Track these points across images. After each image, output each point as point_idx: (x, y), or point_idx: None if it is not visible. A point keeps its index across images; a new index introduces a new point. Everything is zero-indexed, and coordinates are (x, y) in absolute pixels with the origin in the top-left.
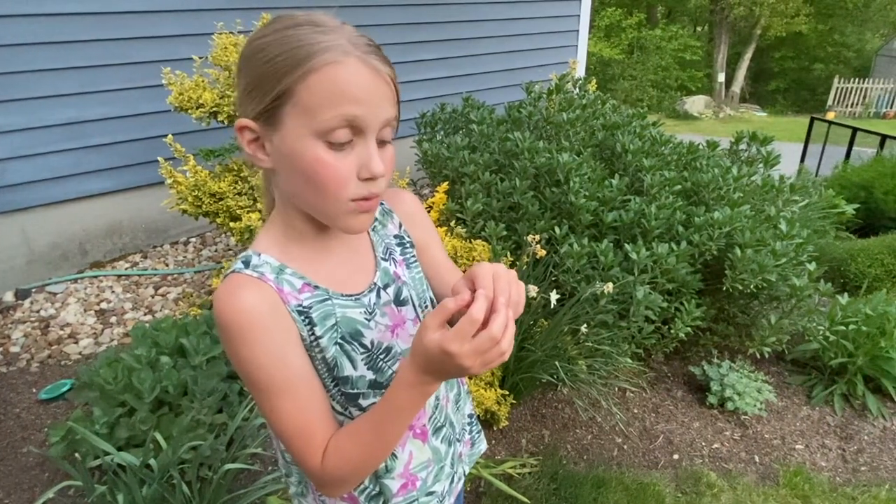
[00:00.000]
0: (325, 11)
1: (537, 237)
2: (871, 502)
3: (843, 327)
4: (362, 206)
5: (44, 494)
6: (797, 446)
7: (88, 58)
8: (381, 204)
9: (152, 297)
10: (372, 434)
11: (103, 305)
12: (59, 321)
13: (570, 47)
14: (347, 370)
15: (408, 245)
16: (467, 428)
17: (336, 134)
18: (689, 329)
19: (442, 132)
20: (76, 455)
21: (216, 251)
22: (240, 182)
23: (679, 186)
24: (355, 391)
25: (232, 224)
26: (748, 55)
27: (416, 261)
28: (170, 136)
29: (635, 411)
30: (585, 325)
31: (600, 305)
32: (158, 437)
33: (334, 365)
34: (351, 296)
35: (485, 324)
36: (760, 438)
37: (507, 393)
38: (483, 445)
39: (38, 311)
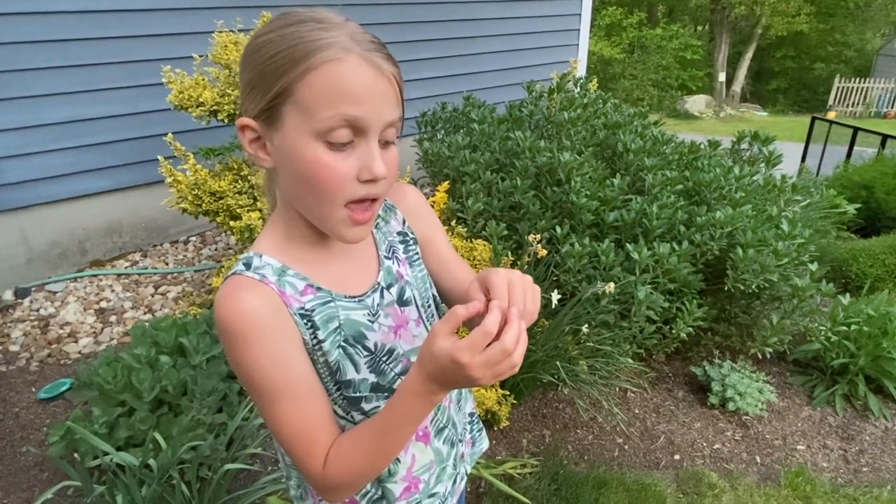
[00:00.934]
0: (329, 8)
1: (538, 237)
2: (873, 503)
3: (844, 328)
4: (357, 217)
5: (42, 494)
6: (798, 447)
7: (87, 56)
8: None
9: (152, 296)
10: (375, 442)
11: (103, 304)
12: (58, 320)
13: (570, 46)
14: (350, 373)
15: (411, 242)
16: (468, 427)
17: (336, 134)
18: (690, 329)
19: (443, 131)
20: (75, 455)
21: (216, 250)
22: (240, 181)
23: (680, 186)
24: (358, 395)
25: (232, 223)
26: (749, 54)
27: (419, 259)
28: (170, 134)
29: (636, 411)
30: (586, 325)
31: (601, 305)
32: (158, 436)
33: (337, 369)
34: (354, 297)
35: (497, 334)
36: (762, 439)
37: (508, 393)
38: (485, 444)
39: (37, 310)
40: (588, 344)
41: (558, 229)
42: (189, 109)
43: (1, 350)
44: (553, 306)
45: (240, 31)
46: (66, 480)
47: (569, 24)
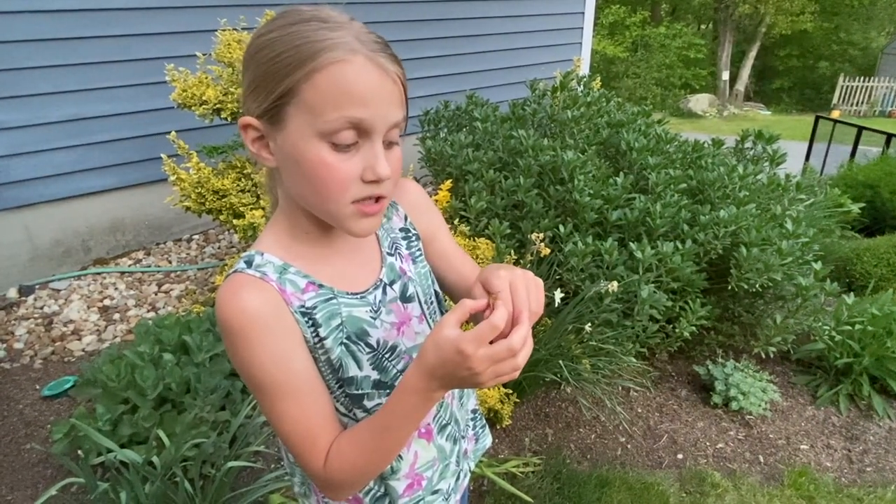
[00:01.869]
0: (333, 7)
1: (541, 235)
2: (877, 503)
3: (849, 327)
4: (365, 209)
5: (46, 491)
6: (802, 446)
7: (91, 54)
8: None
9: (155, 294)
10: (374, 439)
11: (106, 302)
12: (62, 318)
13: (574, 45)
14: (353, 371)
15: (413, 238)
16: (471, 424)
17: (341, 135)
18: (693, 328)
19: (445, 130)
20: (79, 452)
21: (219, 248)
22: (243, 179)
23: (684, 185)
24: (360, 392)
25: (235, 221)
26: (753, 53)
27: (421, 255)
28: (173, 132)
29: (639, 411)
30: (589, 324)
31: (604, 304)
32: (161, 434)
33: (339, 366)
34: (356, 294)
35: (504, 334)
36: (765, 438)
37: (511, 392)
38: (488, 440)
39: (41, 308)
40: (591, 343)
41: (561, 228)
42: (192, 108)
43: (5, 348)
44: (556, 305)
45: (243, 29)
46: (69, 477)
47: (572, 23)
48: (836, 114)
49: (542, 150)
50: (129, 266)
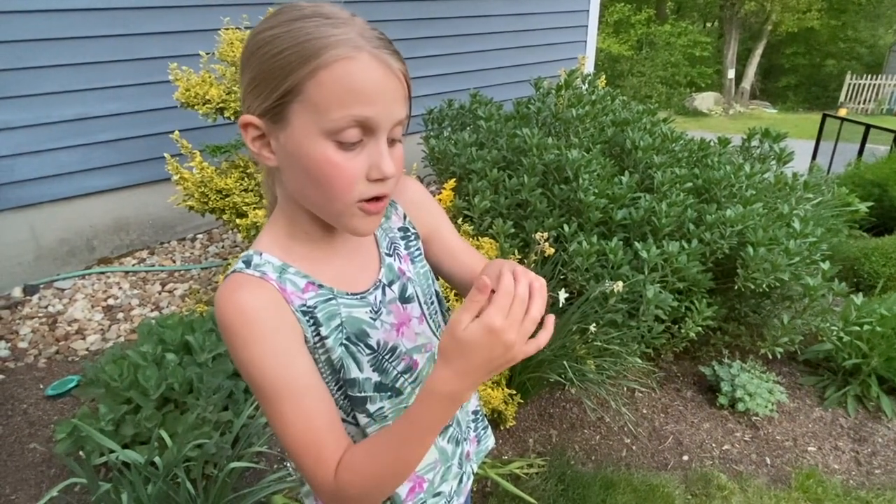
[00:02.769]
0: (333, 3)
1: (545, 235)
2: None
3: (857, 328)
4: (369, 208)
5: (49, 491)
6: (809, 448)
7: (94, 54)
8: None
9: (159, 293)
10: (393, 451)
11: (110, 301)
12: (66, 317)
13: (578, 43)
14: (354, 372)
15: (412, 237)
16: (473, 425)
17: (346, 134)
18: (699, 329)
19: (449, 128)
20: (81, 452)
21: (223, 248)
22: (246, 178)
23: (690, 184)
24: (362, 394)
25: (238, 220)
26: (759, 51)
27: (420, 254)
28: (176, 132)
29: (644, 412)
30: (594, 324)
31: (609, 304)
32: (164, 434)
33: (340, 367)
34: (356, 294)
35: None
36: (772, 440)
37: (515, 392)
38: (490, 441)
39: (45, 307)
40: (596, 343)
41: (566, 227)
42: (196, 107)
43: (9, 347)
44: (560, 305)
45: (246, 28)
46: (72, 478)
47: (576, 21)
48: (843, 112)
49: (547, 149)
50: (133, 265)
